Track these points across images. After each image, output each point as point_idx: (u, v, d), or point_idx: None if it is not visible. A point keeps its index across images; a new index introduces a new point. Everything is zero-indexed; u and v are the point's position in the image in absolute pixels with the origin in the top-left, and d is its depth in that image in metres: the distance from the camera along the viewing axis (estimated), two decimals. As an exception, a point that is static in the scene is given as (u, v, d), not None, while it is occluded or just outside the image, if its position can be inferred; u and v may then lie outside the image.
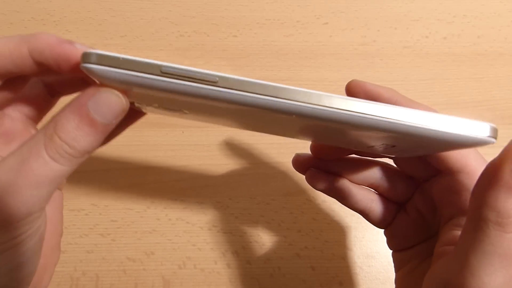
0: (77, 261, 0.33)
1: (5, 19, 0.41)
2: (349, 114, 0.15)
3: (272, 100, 0.15)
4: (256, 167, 0.36)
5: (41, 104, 0.22)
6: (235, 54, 0.40)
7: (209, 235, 0.34)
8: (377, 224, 0.26)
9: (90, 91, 0.16)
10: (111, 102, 0.16)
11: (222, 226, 0.34)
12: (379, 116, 0.15)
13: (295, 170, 0.27)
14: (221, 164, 0.36)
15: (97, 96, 0.16)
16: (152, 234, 0.34)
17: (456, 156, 0.21)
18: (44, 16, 0.41)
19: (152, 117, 0.37)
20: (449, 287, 0.17)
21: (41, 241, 0.18)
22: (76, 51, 0.17)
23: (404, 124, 0.15)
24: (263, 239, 0.34)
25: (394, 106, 0.16)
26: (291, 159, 0.27)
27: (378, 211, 0.25)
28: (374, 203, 0.25)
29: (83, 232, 0.34)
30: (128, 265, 0.33)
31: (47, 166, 0.16)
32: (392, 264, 0.26)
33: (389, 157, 0.24)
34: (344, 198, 0.25)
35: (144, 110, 0.22)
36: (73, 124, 0.16)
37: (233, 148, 0.37)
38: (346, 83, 0.23)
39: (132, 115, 0.22)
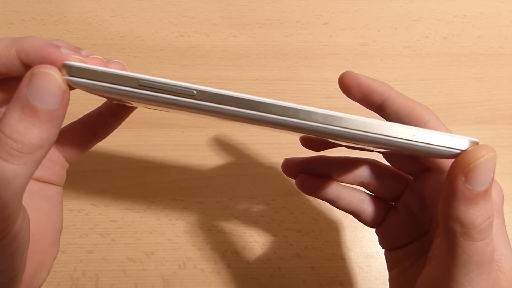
0: (77, 261, 0.33)
1: (5, 19, 0.41)
2: (326, 127, 0.15)
3: (249, 113, 0.15)
4: (256, 167, 0.36)
5: None
6: (235, 54, 0.40)
7: (209, 235, 0.34)
8: (369, 224, 0.26)
9: (26, 77, 0.15)
10: (47, 85, 0.15)
11: (222, 226, 0.34)
12: (352, 129, 0.15)
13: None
14: (221, 164, 0.36)
15: (32, 81, 0.15)
16: (152, 234, 0.34)
17: None
18: (44, 16, 0.41)
19: (152, 117, 0.37)
20: None
21: (17, 254, 0.17)
22: (60, 55, 0.16)
23: (381, 138, 0.16)
24: (263, 239, 0.34)
25: (367, 118, 0.16)
26: (280, 164, 0.26)
27: (369, 211, 0.25)
28: (365, 204, 0.25)
29: (83, 232, 0.34)
30: (128, 265, 0.33)
31: None
32: (392, 264, 0.26)
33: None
34: (335, 201, 0.25)
35: (134, 105, 0.22)
36: (15, 117, 0.15)
37: (233, 148, 0.37)
38: None
39: (124, 109, 0.22)
